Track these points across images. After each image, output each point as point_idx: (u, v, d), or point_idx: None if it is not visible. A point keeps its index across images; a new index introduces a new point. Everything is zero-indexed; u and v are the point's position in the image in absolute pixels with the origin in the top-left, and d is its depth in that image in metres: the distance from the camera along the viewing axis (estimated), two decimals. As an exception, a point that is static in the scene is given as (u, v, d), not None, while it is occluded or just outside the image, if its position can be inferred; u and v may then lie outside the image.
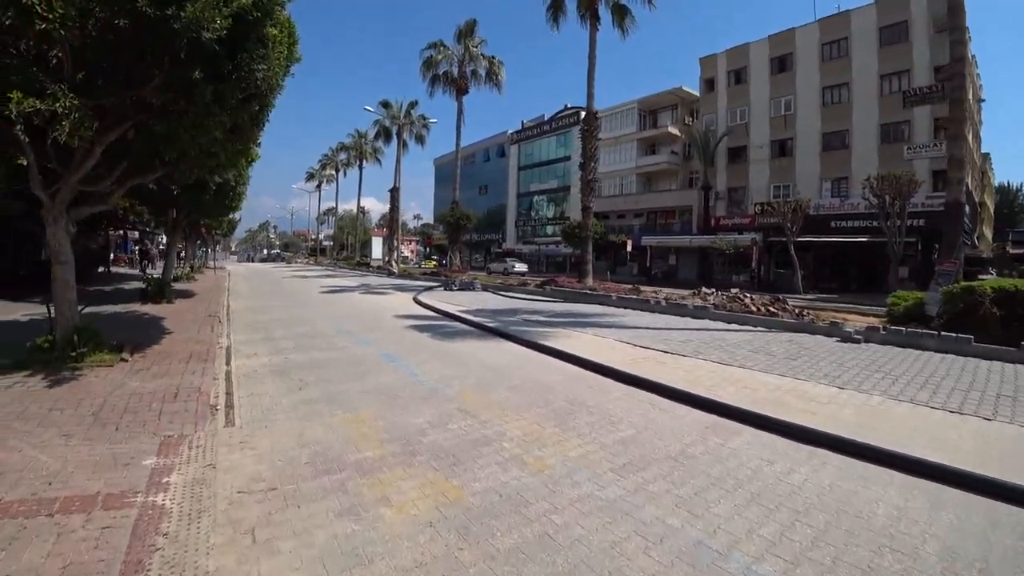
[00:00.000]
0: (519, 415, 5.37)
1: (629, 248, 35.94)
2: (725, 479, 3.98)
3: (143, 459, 4.01)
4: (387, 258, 47.54)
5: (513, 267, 44.81)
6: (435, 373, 7.11)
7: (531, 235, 59.04)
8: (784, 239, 29.49)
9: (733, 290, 16.35)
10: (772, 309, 13.50)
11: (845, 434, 4.74)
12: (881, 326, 10.86)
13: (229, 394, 5.99)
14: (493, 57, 30.66)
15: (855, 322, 12.26)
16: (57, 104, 5.05)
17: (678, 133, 47.65)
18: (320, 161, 70.19)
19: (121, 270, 31.73)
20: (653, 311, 14.47)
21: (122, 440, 4.36)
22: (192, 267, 31.83)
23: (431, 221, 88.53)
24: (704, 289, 16.59)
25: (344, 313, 13.56)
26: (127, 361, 6.81)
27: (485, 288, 21.38)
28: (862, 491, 3.82)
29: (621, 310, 14.84)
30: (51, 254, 6.48)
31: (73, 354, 6.53)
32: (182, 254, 37.79)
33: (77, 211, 6.64)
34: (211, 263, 39.61)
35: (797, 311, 13.30)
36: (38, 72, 5.36)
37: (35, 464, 3.85)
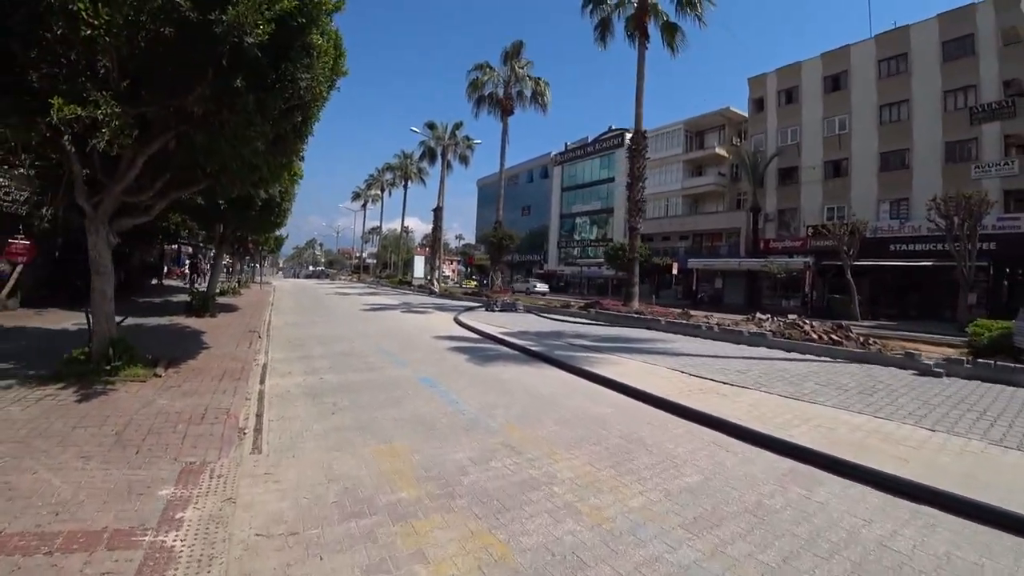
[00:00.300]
0: (570, 453, 4.82)
1: (675, 271, 34.94)
2: (816, 542, 3.35)
3: (160, 488, 3.66)
4: (429, 277, 47.74)
5: (535, 287, 46.50)
6: (476, 401, 6.64)
7: (573, 256, 58.46)
8: (839, 263, 27.98)
9: (791, 316, 15.37)
10: (835, 337, 12.51)
11: (951, 488, 4.02)
12: (964, 358, 9.80)
13: (259, 415, 5.68)
14: (539, 78, 30.59)
15: (929, 353, 11.19)
16: (99, 111, 4.91)
17: (725, 154, 46.49)
18: (366, 181, 71.93)
19: (174, 283, 32.74)
20: (705, 337, 13.68)
21: (141, 465, 4.03)
22: (240, 281, 32.53)
23: (472, 241, 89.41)
24: (759, 315, 15.67)
25: (384, 332, 13.30)
26: (160, 377, 6.60)
27: (528, 310, 20.89)
28: (989, 564, 3.14)
29: (670, 335, 14.09)
30: (91, 265, 6.37)
31: (108, 368, 6.36)
32: (230, 269, 39.03)
33: (119, 222, 6.54)
34: (258, 278, 40.51)
35: (862, 339, 12.29)
36: (86, 81, 5.26)
37: (46, 490, 3.54)
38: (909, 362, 9.89)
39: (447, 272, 58.60)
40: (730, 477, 4.39)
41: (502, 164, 32.24)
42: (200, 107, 5.50)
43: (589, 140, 59.73)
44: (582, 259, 55.22)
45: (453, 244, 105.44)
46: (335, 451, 4.66)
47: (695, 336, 13.86)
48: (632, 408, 6.61)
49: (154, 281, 29.43)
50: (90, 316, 6.91)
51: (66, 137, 5.46)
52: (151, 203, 6.86)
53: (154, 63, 5.41)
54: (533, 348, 10.75)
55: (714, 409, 6.25)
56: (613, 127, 57.02)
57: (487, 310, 20.32)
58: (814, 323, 14.22)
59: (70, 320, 11.89)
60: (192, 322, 12.69)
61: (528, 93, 31.35)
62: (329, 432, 5.20)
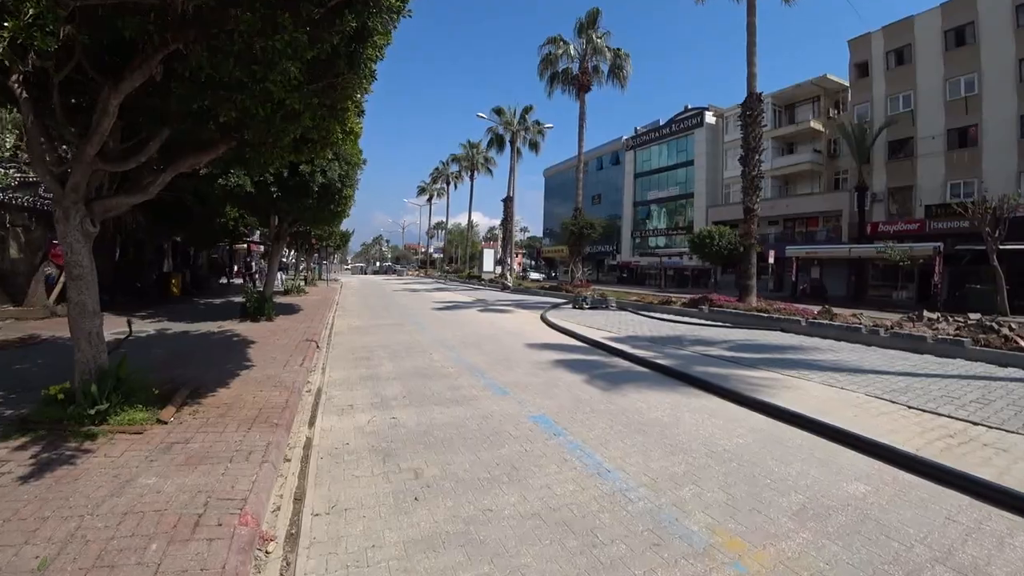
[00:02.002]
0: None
1: (771, 260, 31.07)
2: None
3: None
4: (500, 271, 45.58)
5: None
6: (636, 466, 4.16)
7: (649, 246, 54.78)
8: (978, 248, 23.43)
9: (973, 315, 11.96)
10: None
11: None
12: None
13: (298, 502, 3.45)
14: (619, 49, 27.32)
15: None
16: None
17: (821, 128, 41.74)
18: (431, 175, 70.51)
19: (242, 282, 32.18)
20: (868, 344, 10.59)
21: None
22: (306, 279, 31.54)
23: (538, 234, 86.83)
24: (927, 313, 12.30)
25: (464, 338, 11.04)
26: (166, 424, 4.50)
27: (622, 306, 18.06)
28: None
29: (822, 342, 11.06)
30: (65, 266, 4.33)
31: (92, 412, 4.33)
32: (295, 267, 38.29)
33: (103, 204, 4.44)
34: (325, 275, 39.66)
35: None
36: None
37: None
38: None
39: (513, 266, 56.38)
40: None
41: (580, 147, 29.27)
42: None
43: (661, 123, 55.73)
44: (662, 249, 51.45)
45: (518, 237, 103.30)
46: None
47: (855, 342, 10.78)
48: (895, 482, 3.92)
49: (222, 280, 28.83)
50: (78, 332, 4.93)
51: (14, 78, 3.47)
52: (148, 178, 4.74)
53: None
54: (663, 363, 8.14)
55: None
56: (689, 106, 52.81)
57: (575, 307, 17.71)
58: (1012, 324, 10.84)
59: (116, 326, 10.33)
60: (244, 328, 10.89)
61: (605, 68, 28.30)
62: (413, 549, 2.87)
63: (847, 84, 40.01)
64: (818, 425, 5.12)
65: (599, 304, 17.71)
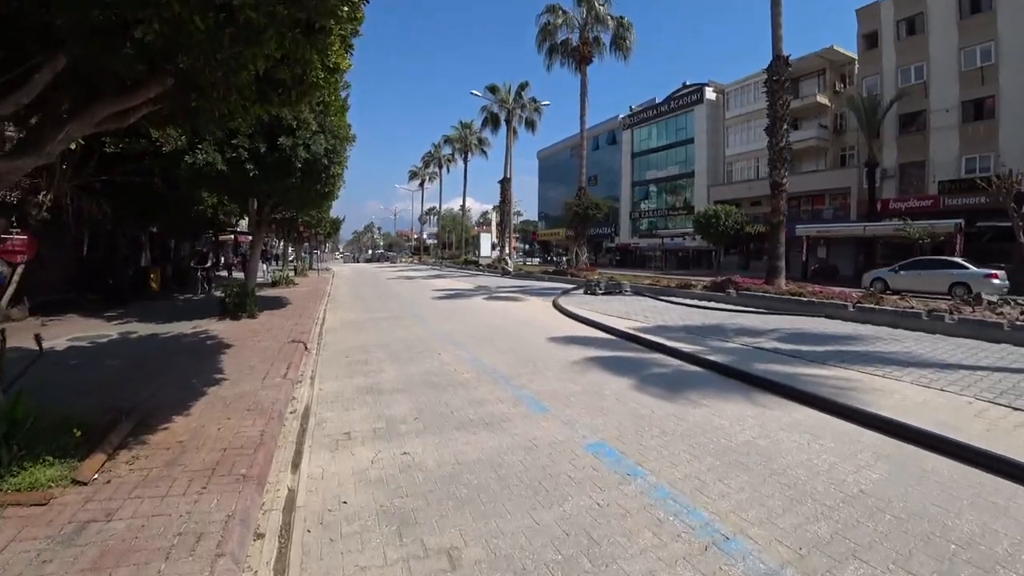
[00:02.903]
0: None
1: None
2: None
3: None
4: (498, 256, 44.06)
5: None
6: (761, 527, 2.91)
7: (648, 228, 53.43)
8: (999, 224, 22.29)
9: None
10: None
11: None
12: None
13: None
14: (622, 18, 25.62)
15: None
16: None
17: (827, 103, 40.32)
18: (423, 158, 68.27)
19: (239, 275, 30.55)
20: (933, 331, 9.35)
21: None
22: (296, 270, 29.97)
23: (531, 218, 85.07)
24: (986, 296, 11.09)
25: (473, 332, 9.71)
26: (84, 484, 3.16)
27: (637, 292, 16.75)
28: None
29: (874, 329, 9.82)
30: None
31: (-24, 470, 2.98)
32: (282, 257, 36.63)
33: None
34: (316, 265, 38.02)
35: None
36: None
37: None
38: None
39: (508, 250, 54.69)
40: None
41: (583, 122, 27.62)
42: None
43: (657, 101, 54.09)
44: (663, 230, 50.10)
45: (512, 221, 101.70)
46: None
47: (916, 330, 9.54)
48: None
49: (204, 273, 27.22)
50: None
51: None
52: (50, 132, 3.29)
53: None
54: (717, 360, 6.86)
55: None
56: (687, 83, 51.17)
57: (587, 293, 16.35)
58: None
59: (74, 331, 8.95)
60: (222, 328, 9.50)
61: (607, 39, 26.61)
62: None
63: (854, 56, 38.62)
64: (959, 448, 3.87)
65: (613, 289, 16.38)
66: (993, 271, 17.38)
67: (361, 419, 4.84)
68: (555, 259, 68.48)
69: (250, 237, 35.44)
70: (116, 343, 8.08)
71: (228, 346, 7.72)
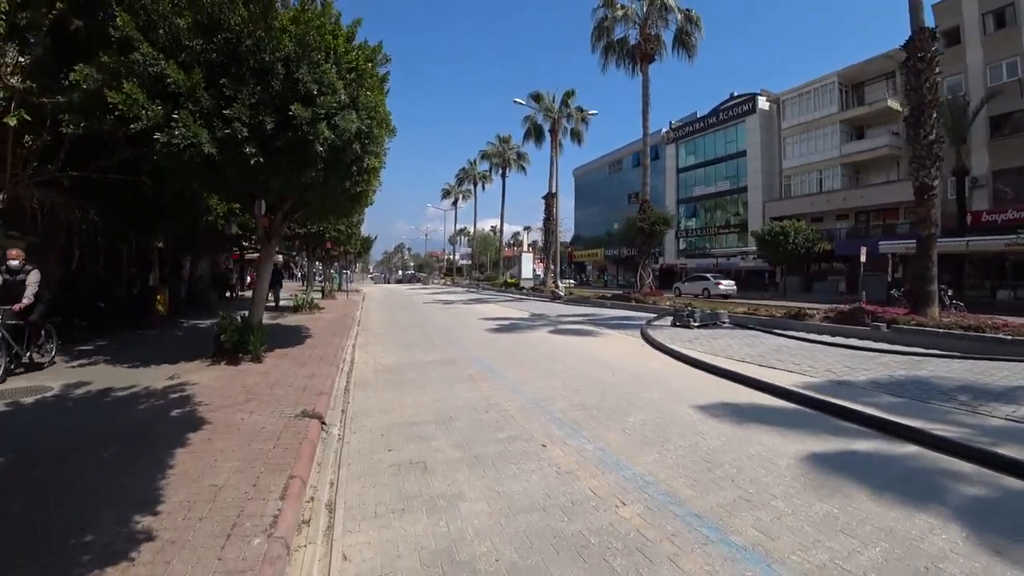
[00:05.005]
0: None
1: (863, 258, 26.03)
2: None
3: None
4: (543, 278, 40.84)
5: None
6: None
7: (698, 247, 49.78)
8: None
9: None
10: None
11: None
12: None
13: None
14: (690, 10, 22.55)
15: None
16: None
17: (898, 108, 36.54)
18: (457, 175, 65.65)
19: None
20: None
21: None
22: (323, 291, 27.33)
23: (563, 238, 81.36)
24: None
25: (576, 393, 6.52)
26: None
27: (739, 323, 13.36)
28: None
29: None
30: None
31: None
32: (318, 278, 33.76)
33: None
34: (346, 287, 35.30)
35: None
36: None
37: None
38: None
39: (539, 272, 51.23)
40: None
41: (646, 127, 24.29)
42: None
43: (698, 115, 50.85)
44: (716, 249, 46.43)
45: (541, 242, 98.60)
46: None
47: None
48: None
49: (228, 295, 24.73)
50: None
51: None
52: None
53: None
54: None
55: None
56: (735, 94, 47.86)
57: (678, 324, 12.86)
58: None
59: (10, 380, 6.21)
60: (208, 381, 6.58)
61: (668, 37, 23.58)
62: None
63: (932, 55, 35.07)
64: None
65: (709, 321, 12.92)
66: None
67: None
68: (589, 280, 65.11)
69: (280, 257, 32.99)
70: (33, 412, 5.22)
71: (199, 423, 4.74)
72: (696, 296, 31.49)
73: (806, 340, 10.72)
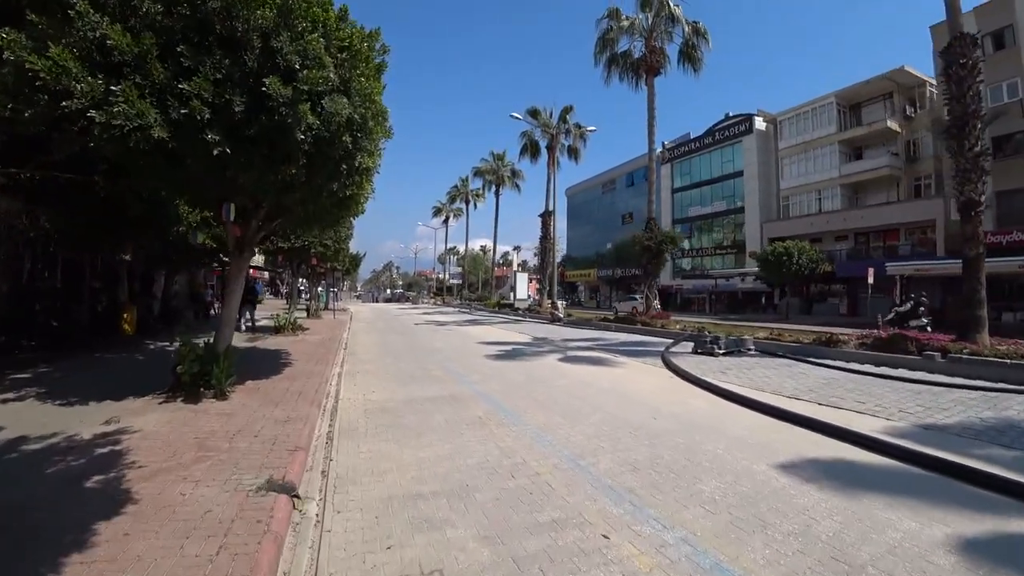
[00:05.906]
0: None
1: (871, 280, 25.18)
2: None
3: None
4: (539, 299, 39.51)
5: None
6: None
7: (691, 269, 48.95)
8: None
9: None
10: None
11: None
12: None
13: None
14: (697, 23, 21.65)
15: None
16: None
17: (897, 128, 36.49)
18: (448, 193, 64.40)
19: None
20: None
21: None
22: (308, 310, 25.83)
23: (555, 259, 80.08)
24: None
25: (616, 446, 5.23)
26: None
27: (762, 348, 12.18)
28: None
29: None
30: None
31: None
32: (304, 295, 32.22)
33: None
34: (332, 306, 33.73)
35: None
36: None
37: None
38: None
39: (528, 292, 49.84)
40: None
41: (651, 142, 23.32)
42: None
43: (692, 136, 50.49)
44: (713, 270, 45.63)
45: (532, 262, 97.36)
46: None
47: None
48: None
49: (212, 312, 23.11)
50: None
51: None
52: None
53: None
54: None
55: None
56: (730, 114, 47.56)
57: (699, 352, 11.52)
58: None
59: None
60: (153, 428, 5.20)
61: (673, 50, 22.73)
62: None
63: (927, 78, 35.15)
64: None
65: (734, 348, 11.67)
66: None
67: None
68: (581, 300, 63.91)
69: (265, 273, 31.25)
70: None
71: (121, 502, 3.37)
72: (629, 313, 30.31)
73: (852, 371, 9.50)
